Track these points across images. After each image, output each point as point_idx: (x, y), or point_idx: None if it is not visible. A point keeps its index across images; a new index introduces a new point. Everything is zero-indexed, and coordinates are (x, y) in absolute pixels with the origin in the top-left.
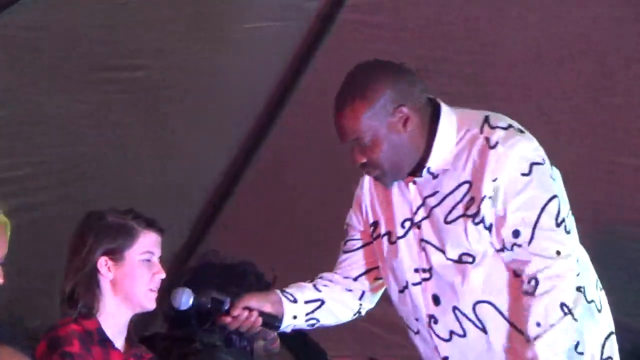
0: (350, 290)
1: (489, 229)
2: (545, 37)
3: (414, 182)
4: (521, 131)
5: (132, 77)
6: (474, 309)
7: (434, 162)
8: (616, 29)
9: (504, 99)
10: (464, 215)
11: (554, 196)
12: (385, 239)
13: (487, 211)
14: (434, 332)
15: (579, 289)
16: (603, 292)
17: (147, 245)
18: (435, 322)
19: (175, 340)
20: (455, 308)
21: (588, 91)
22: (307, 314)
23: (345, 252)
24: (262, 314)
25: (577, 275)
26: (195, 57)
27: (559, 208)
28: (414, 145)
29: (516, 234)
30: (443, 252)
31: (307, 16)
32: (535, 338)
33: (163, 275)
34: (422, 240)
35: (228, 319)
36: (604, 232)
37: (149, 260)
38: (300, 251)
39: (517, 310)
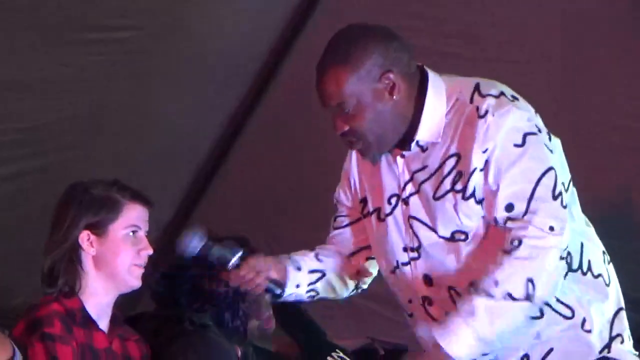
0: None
1: (480, 202)
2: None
3: (402, 156)
4: (514, 98)
5: (118, 38)
6: (469, 287)
7: (423, 134)
8: None
9: None
10: (452, 190)
11: (550, 168)
12: (374, 216)
13: (478, 185)
14: (429, 314)
15: (563, 258)
16: (611, 265)
17: (132, 219)
18: (430, 303)
19: (164, 320)
20: (450, 288)
21: None
22: (309, 284)
23: (335, 228)
24: (267, 278)
25: (565, 250)
26: (184, 19)
27: (556, 180)
28: (400, 115)
29: (510, 207)
30: (434, 230)
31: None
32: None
33: (150, 252)
34: (410, 217)
35: (231, 275)
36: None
37: (134, 235)
38: (293, 223)
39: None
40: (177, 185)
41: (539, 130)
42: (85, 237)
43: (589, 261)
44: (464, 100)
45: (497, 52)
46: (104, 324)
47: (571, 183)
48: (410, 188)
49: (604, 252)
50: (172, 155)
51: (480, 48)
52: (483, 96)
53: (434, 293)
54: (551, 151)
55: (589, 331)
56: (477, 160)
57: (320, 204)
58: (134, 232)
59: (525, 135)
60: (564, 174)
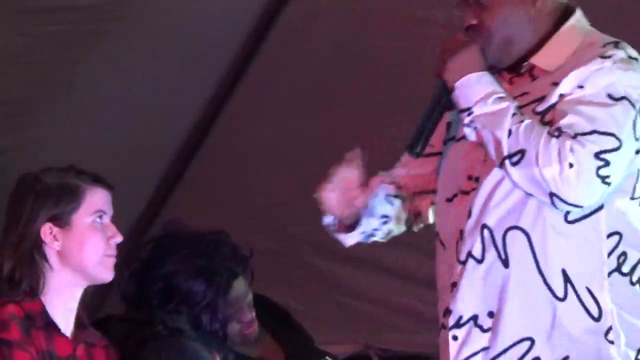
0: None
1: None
2: None
3: (511, 82)
4: None
5: (83, 5)
6: (504, 234)
7: (540, 59)
8: None
9: None
10: (533, 112)
11: (614, 135)
12: (453, 140)
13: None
14: (457, 251)
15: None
16: None
17: (96, 204)
18: (462, 238)
19: (134, 323)
20: (485, 226)
21: None
22: (372, 230)
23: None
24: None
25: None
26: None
27: (607, 150)
28: (533, 28)
29: (579, 87)
30: None
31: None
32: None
33: (120, 239)
34: None
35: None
36: None
37: (100, 222)
38: (272, 212)
39: (554, 262)
40: (147, 175)
41: (638, 111)
42: (47, 231)
43: (625, 253)
44: (597, 45)
45: None
46: (67, 328)
47: (627, 177)
48: None
49: None
50: (142, 139)
51: None
52: (618, 48)
53: (467, 226)
54: (634, 134)
55: (612, 342)
56: (566, 87)
57: (299, 192)
58: (100, 217)
59: (623, 98)
60: (620, 158)
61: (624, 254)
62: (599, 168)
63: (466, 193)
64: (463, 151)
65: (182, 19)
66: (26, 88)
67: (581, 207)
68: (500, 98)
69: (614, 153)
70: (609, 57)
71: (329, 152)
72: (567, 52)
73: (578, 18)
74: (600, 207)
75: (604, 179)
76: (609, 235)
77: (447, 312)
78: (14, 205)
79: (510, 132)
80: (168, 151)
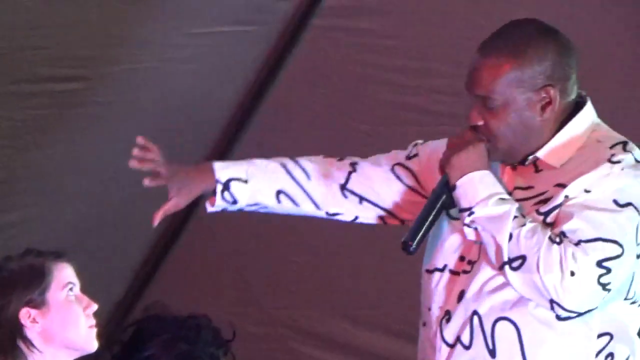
0: (330, 215)
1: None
2: None
3: (514, 169)
4: None
5: (63, 89)
6: (494, 324)
7: (546, 153)
8: None
9: None
10: (536, 212)
11: (617, 243)
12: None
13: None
14: (441, 332)
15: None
16: None
17: (65, 277)
18: (448, 320)
19: None
20: (475, 313)
21: None
22: (241, 208)
23: (393, 172)
24: None
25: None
26: (140, 66)
27: (610, 258)
28: (539, 134)
29: (586, 192)
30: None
31: (274, 20)
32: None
33: (95, 307)
34: None
35: None
36: None
37: (74, 295)
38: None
39: (542, 357)
40: (132, 254)
41: None
42: (26, 316)
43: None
44: (604, 145)
45: None
46: None
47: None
48: None
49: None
50: (127, 216)
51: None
52: (626, 151)
53: (457, 311)
54: (637, 244)
55: None
56: (573, 191)
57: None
58: (71, 289)
59: (629, 205)
60: (624, 266)
61: (611, 355)
62: (600, 276)
63: (455, 274)
64: (463, 232)
65: (166, 99)
66: (5, 171)
67: (580, 313)
68: (502, 199)
69: (616, 260)
70: (618, 162)
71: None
72: (574, 148)
73: (586, 112)
74: (594, 308)
75: (604, 286)
76: (600, 336)
77: None
78: None
79: (511, 236)
80: (148, 235)
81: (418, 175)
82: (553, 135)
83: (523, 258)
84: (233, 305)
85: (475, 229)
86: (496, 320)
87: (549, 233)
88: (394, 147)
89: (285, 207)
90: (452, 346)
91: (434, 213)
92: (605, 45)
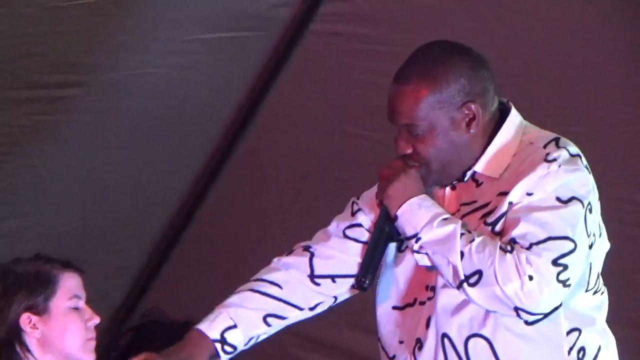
0: (312, 309)
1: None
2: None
3: (453, 188)
4: (587, 169)
5: (61, 95)
6: (466, 343)
7: (482, 167)
8: None
9: None
10: (483, 223)
11: (568, 238)
12: (394, 244)
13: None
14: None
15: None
16: None
17: (71, 289)
18: (420, 347)
19: None
20: (445, 336)
21: None
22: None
23: (347, 237)
24: None
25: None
26: (138, 72)
27: (564, 254)
28: (470, 149)
29: (528, 195)
30: None
31: (272, 26)
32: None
33: (97, 320)
34: None
35: None
36: None
37: (77, 307)
38: None
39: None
40: (131, 260)
41: (590, 205)
42: (26, 321)
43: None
44: (537, 145)
45: None
46: None
47: (588, 273)
48: None
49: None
50: (125, 223)
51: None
52: (559, 147)
53: (427, 337)
54: (586, 232)
55: None
56: (515, 196)
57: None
58: (76, 301)
59: (573, 198)
60: (577, 263)
61: (582, 349)
62: (559, 274)
63: (422, 303)
64: (423, 262)
65: (166, 106)
66: (3, 180)
67: (546, 314)
68: (445, 220)
69: (570, 255)
70: (554, 160)
71: None
72: (508, 155)
73: (512, 117)
74: (559, 305)
75: (564, 282)
76: (569, 332)
77: None
78: None
79: (462, 254)
80: (149, 241)
81: (369, 228)
82: (485, 147)
83: (479, 273)
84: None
85: (426, 253)
86: (467, 339)
87: (498, 243)
88: (391, 153)
89: (276, 326)
90: None
91: (380, 246)
92: (605, 45)
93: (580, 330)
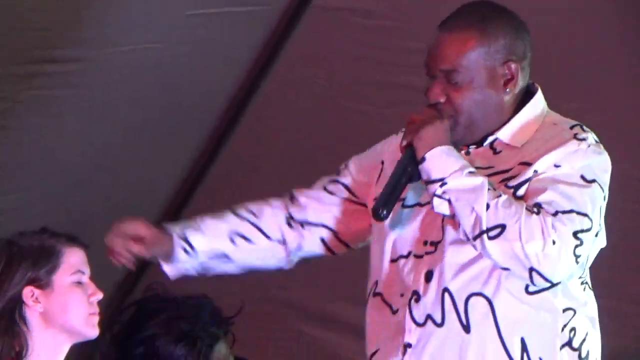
0: (281, 242)
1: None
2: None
3: (468, 153)
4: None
5: (61, 71)
6: (467, 300)
7: (505, 134)
8: None
9: None
10: (505, 186)
11: (588, 216)
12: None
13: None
14: (410, 312)
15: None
16: None
17: (75, 264)
18: (417, 300)
19: None
20: (446, 290)
21: None
22: (202, 264)
23: (327, 190)
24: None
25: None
26: (138, 47)
27: (583, 230)
28: (499, 113)
29: (556, 166)
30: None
31: (273, 0)
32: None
33: (100, 296)
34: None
35: None
36: None
37: (80, 281)
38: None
39: (515, 330)
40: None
41: (604, 198)
42: (29, 294)
43: (588, 351)
44: (562, 127)
45: None
46: None
47: (586, 275)
48: None
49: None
50: (125, 199)
51: None
52: (585, 131)
53: (426, 290)
54: (601, 214)
55: None
56: (542, 166)
57: None
58: (79, 276)
59: (595, 181)
60: (588, 240)
61: (574, 329)
62: (575, 247)
63: (419, 257)
64: (417, 217)
65: (168, 82)
66: (5, 155)
67: (555, 284)
68: (472, 172)
69: (587, 233)
70: (584, 139)
71: None
72: (532, 129)
73: (539, 96)
74: (568, 279)
75: (577, 257)
76: (565, 310)
77: None
78: None
79: (488, 206)
80: (154, 209)
81: (351, 187)
82: (511, 117)
83: (502, 227)
84: (234, 285)
85: (449, 200)
86: (469, 296)
87: (524, 204)
88: (395, 129)
89: (240, 249)
90: (422, 325)
91: (401, 184)
92: (605, 44)
93: (574, 311)
